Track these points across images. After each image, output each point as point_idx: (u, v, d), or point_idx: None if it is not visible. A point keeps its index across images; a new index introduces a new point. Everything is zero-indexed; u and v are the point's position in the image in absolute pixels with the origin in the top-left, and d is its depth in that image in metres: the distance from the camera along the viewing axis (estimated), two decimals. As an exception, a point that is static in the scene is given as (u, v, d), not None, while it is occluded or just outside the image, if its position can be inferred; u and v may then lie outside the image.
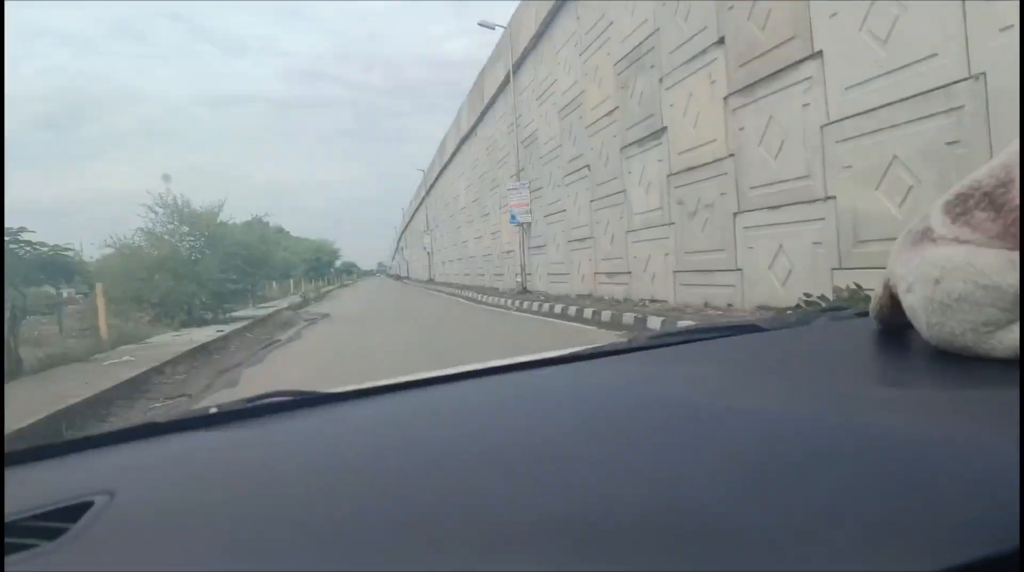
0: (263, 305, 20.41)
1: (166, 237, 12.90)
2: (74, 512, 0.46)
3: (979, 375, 0.53)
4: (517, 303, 13.12)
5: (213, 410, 0.74)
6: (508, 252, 17.57)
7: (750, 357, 0.85)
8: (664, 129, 8.49)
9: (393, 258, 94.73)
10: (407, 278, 54.44)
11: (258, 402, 0.74)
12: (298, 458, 0.57)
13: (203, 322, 12.47)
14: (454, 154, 25.38)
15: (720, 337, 0.99)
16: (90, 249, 12.62)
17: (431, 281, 34.61)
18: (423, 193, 37.60)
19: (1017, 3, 3.83)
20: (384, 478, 0.49)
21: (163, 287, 12.10)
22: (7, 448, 0.65)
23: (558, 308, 10.83)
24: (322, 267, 62.86)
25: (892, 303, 0.65)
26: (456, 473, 0.49)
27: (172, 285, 12.13)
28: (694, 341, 0.99)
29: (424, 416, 0.70)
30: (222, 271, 12.77)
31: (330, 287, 44.96)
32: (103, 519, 0.46)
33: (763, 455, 0.43)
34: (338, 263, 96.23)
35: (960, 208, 0.57)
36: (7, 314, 6.03)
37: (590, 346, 1.01)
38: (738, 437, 0.47)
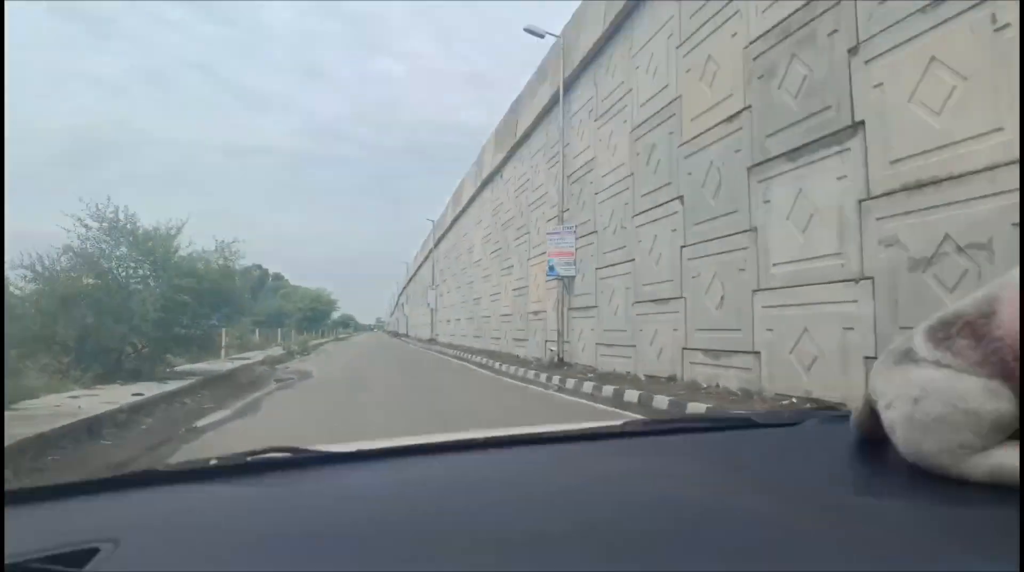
0: (236, 356, 17.02)
1: (99, 260, 9.68)
2: (80, 557, 0.49)
3: (951, 495, 0.55)
4: (556, 380, 9.75)
5: (213, 462, 0.78)
6: (536, 313, 14.30)
7: (738, 455, 0.86)
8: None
9: (392, 314, 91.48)
10: (406, 336, 50.81)
11: (257, 457, 0.77)
12: (297, 519, 0.59)
13: (134, 376, 9.10)
14: (472, 199, 22.59)
15: (714, 430, 1.06)
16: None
17: (433, 341, 31.23)
18: (431, 245, 34.74)
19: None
20: (376, 546, 0.52)
21: (79, 326, 8.82)
22: (13, 487, 0.70)
23: (631, 395, 7.42)
24: (318, 318, 59.35)
25: (872, 416, 0.67)
26: (440, 550, 0.50)
27: (91, 323, 8.83)
28: (688, 432, 1.07)
29: (412, 485, 0.72)
30: (166, 309, 9.48)
31: (323, 340, 41.41)
32: (107, 567, 0.48)
33: (740, 560, 0.46)
34: (335, 315, 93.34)
35: (942, 333, 0.60)
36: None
37: (584, 425, 1.09)
38: (716, 540, 0.49)
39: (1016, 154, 3.99)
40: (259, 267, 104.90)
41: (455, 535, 0.54)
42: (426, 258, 38.54)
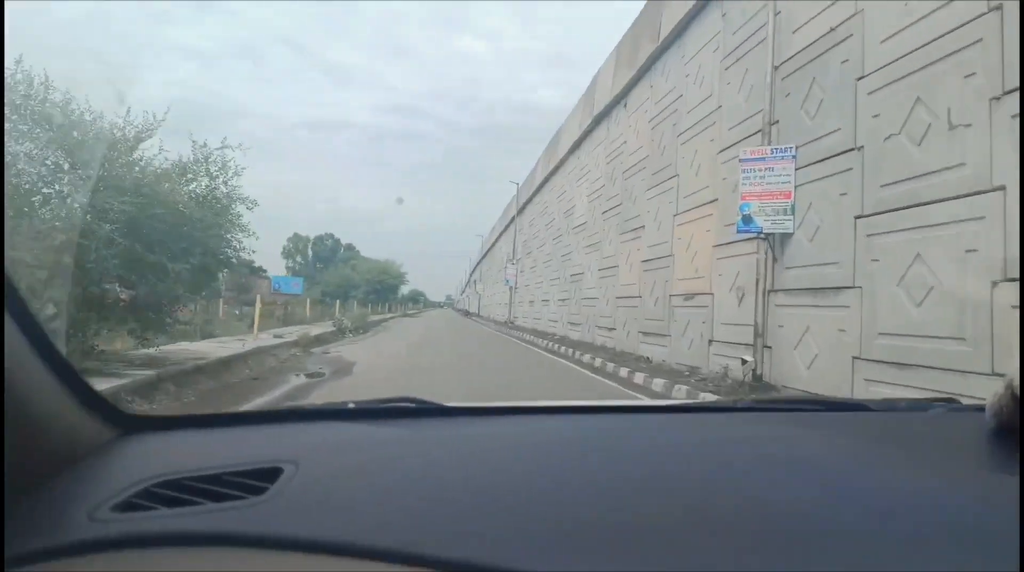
0: (275, 332, 13.12)
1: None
2: (269, 474, 0.60)
3: None
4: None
5: (351, 405, 0.92)
6: (689, 296, 9.27)
7: (862, 435, 0.84)
8: None
9: (463, 291, 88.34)
10: (478, 315, 46.76)
11: (390, 405, 0.93)
12: (429, 460, 0.69)
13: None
14: (576, 145, 17.56)
15: (827, 411, 1.04)
16: None
17: (510, 323, 26.78)
18: (513, 212, 30.05)
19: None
20: (500, 486, 0.59)
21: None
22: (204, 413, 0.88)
23: None
24: (385, 291, 55.95)
25: (1013, 404, 0.65)
26: (577, 498, 0.55)
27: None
28: (800, 410, 1.05)
29: (539, 441, 0.78)
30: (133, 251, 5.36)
31: (389, 316, 37.91)
32: (292, 485, 0.58)
33: (889, 526, 0.46)
34: (404, 290, 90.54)
35: None
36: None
37: (696, 401, 1.63)
38: (862, 503, 0.50)
39: None
40: (331, 236, 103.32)
41: (589, 488, 0.58)
42: (505, 229, 33.99)
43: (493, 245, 42.65)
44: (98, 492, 0.57)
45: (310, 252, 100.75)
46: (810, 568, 0.42)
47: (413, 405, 0.91)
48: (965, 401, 1.10)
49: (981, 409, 0.77)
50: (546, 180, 22.34)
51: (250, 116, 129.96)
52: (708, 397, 6.17)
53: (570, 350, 13.00)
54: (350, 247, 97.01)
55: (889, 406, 1.07)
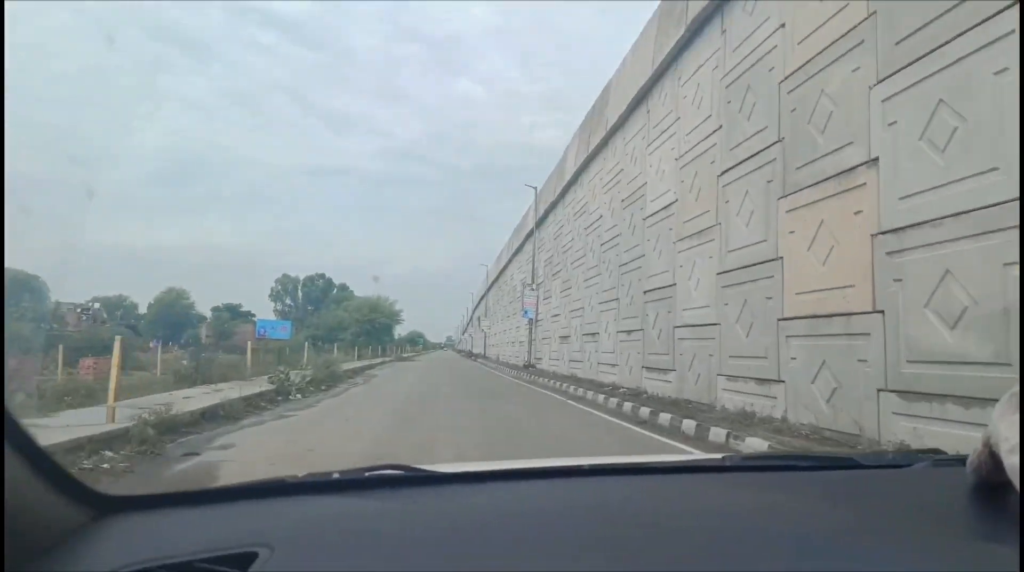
0: (153, 397, 6.99)
1: None
2: (243, 560, 0.58)
3: None
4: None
5: (336, 476, 0.87)
6: (846, 316, 3.46)
7: (849, 497, 0.84)
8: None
9: (464, 331, 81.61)
10: (483, 357, 40.23)
11: (375, 473, 0.87)
12: (415, 534, 0.67)
13: None
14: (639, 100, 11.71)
15: (819, 469, 1.03)
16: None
17: (531, 366, 20.52)
18: (530, 223, 24.10)
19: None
20: (496, 563, 0.57)
21: None
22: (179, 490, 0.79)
23: None
24: (378, 332, 49.36)
25: (992, 461, 0.65)
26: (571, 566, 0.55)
27: None
28: (791, 469, 1.04)
29: (532, 510, 0.77)
30: None
31: (379, 361, 31.63)
32: (269, 568, 0.57)
33: None
34: (402, 332, 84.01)
35: None
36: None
37: (687, 458, 1.18)
38: None
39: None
40: (322, 276, 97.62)
41: (571, 558, 0.58)
42: (520, 247, 27.94)
43: (501, 273, 36.56)
44: None
45: (300, 294, 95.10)
46: None
47: (401, 473, 0.88)
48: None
49: (963, 461, 0.79)
50: (579, 173, 16.41)
51: (249, 164, 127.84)
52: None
53: (610, 406, 6.72)
54: (344, 287, 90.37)
55: (877, 461, 1.09)
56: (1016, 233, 3.91)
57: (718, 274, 7.97)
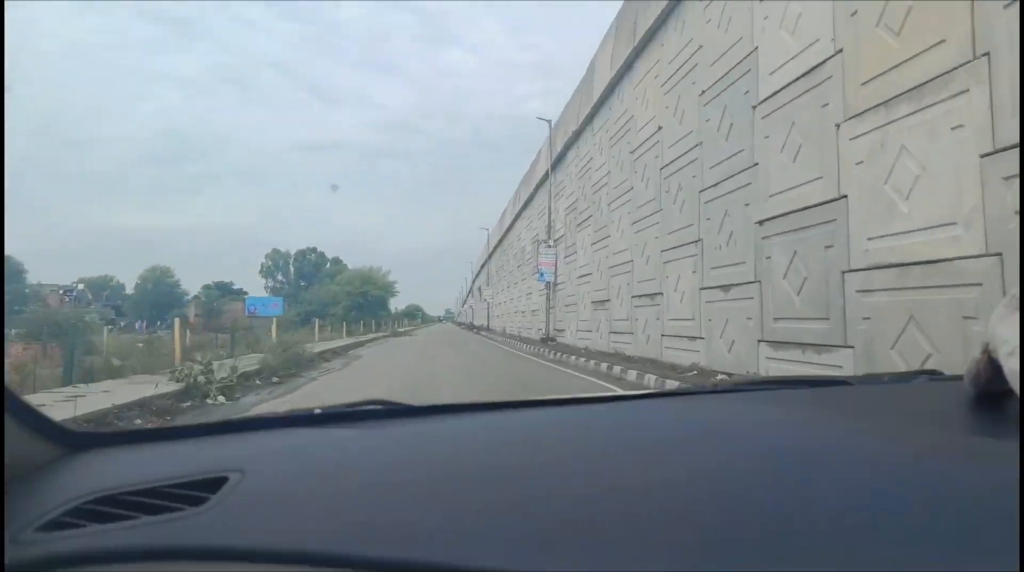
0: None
1: None
2: (212, 484, 0.56)
3: None
4: None
5: (317, 411, 0.86)
6: None
7: (846, 408, 0.83)
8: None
9: (465, 302, 77.60)
10: (487, 329, 36.33)
11: (357, 408, 0.87)
12: (393, 458, 0.65)
13: None
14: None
15: (811, 387, 1.03)
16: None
17: (551, 340, 16.63)
18: (542, 166, 19.90)
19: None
20: (469, 482, 0.55)
21: None
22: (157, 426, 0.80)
23: None
24: (371, 305, 44.94)
25: (991, 368, 0.63)
26: (548, 493, 0.51)
27: None
28: (786, 388, 1.02)
29: (520, 437, 0.72)
30: None
31: (369, 337, 27.63)
32: (237, 492, 0.54)
33: (878, 498, 0.44)
34: (399, 305, 79.77)
35: None
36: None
37: (683, 386, 1.44)
38: (849, 480, 0.49)
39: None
40: (314, 250, 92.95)
41: (562, 479, 0.54)
42: (528, 202, 23.68)
43: (505, 234, 32.31)
44: (27, 513, 0.54)
45: (292, 269, 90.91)
46: (795, 555, 0.39)
47: (381, 407, 0.87)
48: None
49: (960, 379, 0.78)
50: (632, 60, 12.15)
51: (240, 142, 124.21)
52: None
53: None
54: (337, 261, 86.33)
55: (872, 380, 1.08)
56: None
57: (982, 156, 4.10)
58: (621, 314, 11.90)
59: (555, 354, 13.54)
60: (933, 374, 1.04)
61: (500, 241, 34.12)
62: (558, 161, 17.95)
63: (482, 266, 45.90)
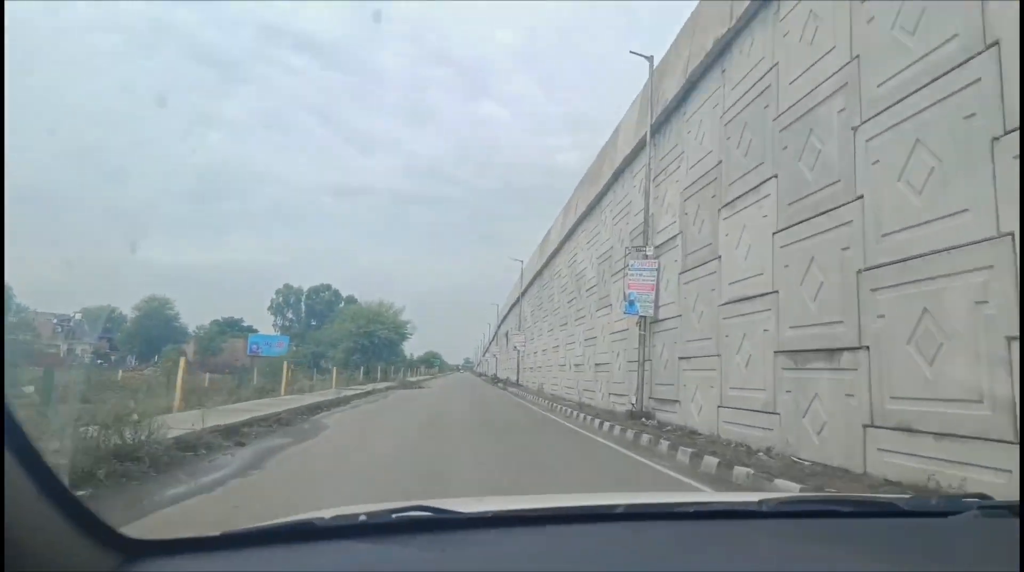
0: None
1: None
2: None
3: None
4: None
5: (362, 518, 0.84)
6: None
7: (892, 549, 0.79)
8: None
9: (486, 351, 70.51)
10: (516, 385, 28.66)
11: (403, 516, 0.83)
12: None
13: None
14: None
15: (860, 516, 0.99)
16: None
17: (647, 418, 9.43)
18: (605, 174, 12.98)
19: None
20: None
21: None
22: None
23: None
24: (379, 349, 37.25)
25: None
26: None
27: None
28: (830, 516, 0.99)
29: (565, 559, 0.75)
30: None
31: (367, 388, 20.59)
32: None
33: None
34: (413, 350, 72.96)
35: None
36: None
37: (721, 498, 1.20)
38: None
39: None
40: (328, 288, 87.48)
41: None
42: (595, 203, 15.93)
43: (548, 262, 24.70)
44: None
45: (303, 307, 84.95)
46: None
47: (429, 515, 0.84)
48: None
49: (1012, 507, 0.79)
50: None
51: (275, 183, 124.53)
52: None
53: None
54: (352, 300, 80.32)
55: (920, 506, 1.04)
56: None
57: None
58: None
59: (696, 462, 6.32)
60: (983, 499, 0.99)
61: (541, 271, 26.71)
62: (664, 122, 11.01)
63: (511, 307, 38.40)
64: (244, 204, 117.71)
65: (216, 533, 0.77)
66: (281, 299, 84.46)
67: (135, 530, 0.75)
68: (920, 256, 4.60)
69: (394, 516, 0.82)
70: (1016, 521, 0.72)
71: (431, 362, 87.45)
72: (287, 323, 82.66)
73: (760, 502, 0.97)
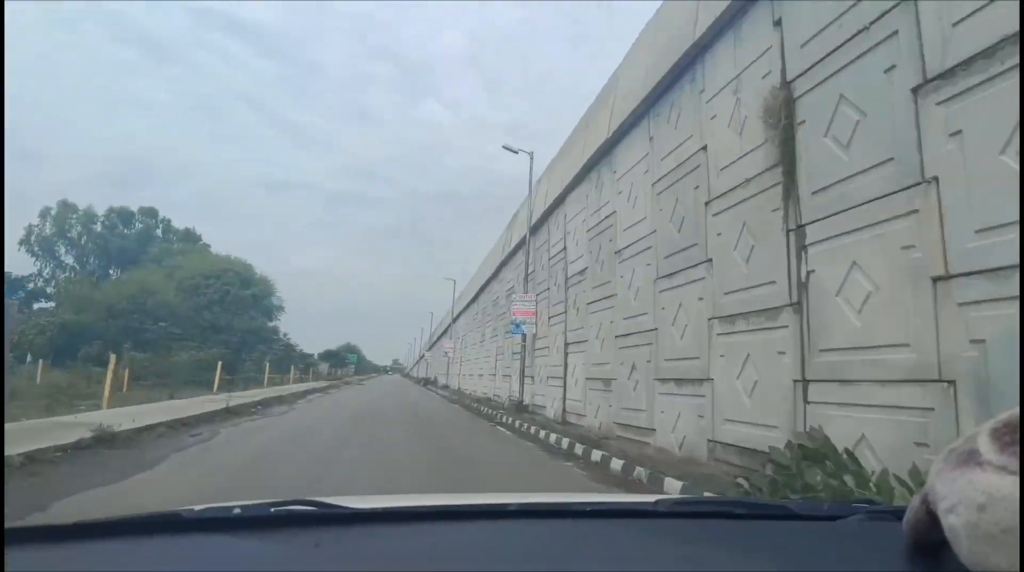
0: None
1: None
2: None
3: None
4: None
5: (237, 511, 0.79)
6: None
7: (783, 551, 0.81)
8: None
9: (427, 351, 63.57)
10: (443, 388, 33.37)
11: (282, 509, 0.78)
12: None
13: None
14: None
15: (752, 519, 1.01)
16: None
17: (524, 409, 14.67)
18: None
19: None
20: None
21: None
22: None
23: None
24: (226, 330, 27.33)
25: (929, 519, 0.64)
26: None
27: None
28: (724, 517, 1.01)
29: (450, 556, 0.71)
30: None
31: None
32: None
33: None
34: (316, 342, 66.55)
35: (1009, 437, 0.56)
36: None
37: (616, 498, 1.24)
38: None
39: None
40: (152, 212, 50.39)
41: None
42: (506, 259, 21.63)
43: (481, 291, 30.17)
44: None
45: (86, 240, 47.31)
46: None
47: (311, 509, 0.79)
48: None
49: (897, 511, 0.80)
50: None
51: (204, 174, 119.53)
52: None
53: None
54: (190, 237, 50.48)
55: (811, 511, 1.07)
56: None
57: None
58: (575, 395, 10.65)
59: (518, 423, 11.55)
60: (871, 504, 1.05)
61: (475, 298, 32.09)
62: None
63: (465, 306, 37.24)
64: (167, 193, 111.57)
65: (69, 522, 0.71)
66: (49, 225, 45.62)
67: None
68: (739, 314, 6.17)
69: (272, 510, 0.78)
70: (899, 524, 0.72)
71: (345, 359, 65.83)
72: (58, 267, 46.63)
73: (656, 502, 1.00)
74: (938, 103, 4.00)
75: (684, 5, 7.72)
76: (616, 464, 6.77)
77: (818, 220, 5.07)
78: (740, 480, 4.46)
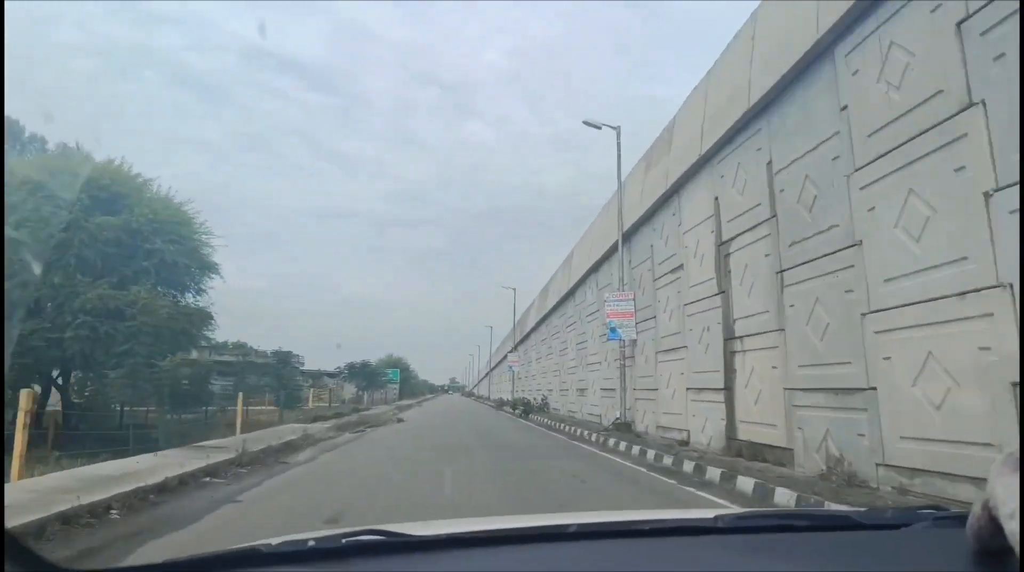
0: None
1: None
2: None
3: None
4: None
5: (311, 544, 0.81)
6: None
7: (847, 562, 0.80)
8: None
9: (489, 370, 62.57)
10: (542, 411, 23.48)
11: (353, 540, 0.82)
12: None
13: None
14: None
15: (815, 530, 1.01)
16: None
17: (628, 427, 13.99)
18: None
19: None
20: None
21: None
22: None
23: None
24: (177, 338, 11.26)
25: (992, 525, 0.62)
26: None
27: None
28: (786, 530, 0.99)
29: None
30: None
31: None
32: None
33: None
34: (346, 351, 52.71)
35: None
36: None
37: (676, 515, 1.14)
38: None
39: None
40: None
41: None
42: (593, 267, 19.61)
43: (554, 309, 28.24)
44: None
45: None
46: None
47: (381, 538, 0.82)
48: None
49: (963, 517, 0.74)
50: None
51: (258, 207, 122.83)
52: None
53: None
54: (69, 151, 19.25)
55: (875, 519, 1.04)
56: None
57: None
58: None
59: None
60: (936, 510, 1.01)
61: (545, 316, 31.03)
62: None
63: (546, 315, 31.16)
64: (226, 229, 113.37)
65: (158, 561, 0.74)
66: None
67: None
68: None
69: (344, 541, 0.81)
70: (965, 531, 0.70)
71: (381, 375, 45.28)
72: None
73: (715, 518, 0.98)
74: None
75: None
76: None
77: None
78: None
